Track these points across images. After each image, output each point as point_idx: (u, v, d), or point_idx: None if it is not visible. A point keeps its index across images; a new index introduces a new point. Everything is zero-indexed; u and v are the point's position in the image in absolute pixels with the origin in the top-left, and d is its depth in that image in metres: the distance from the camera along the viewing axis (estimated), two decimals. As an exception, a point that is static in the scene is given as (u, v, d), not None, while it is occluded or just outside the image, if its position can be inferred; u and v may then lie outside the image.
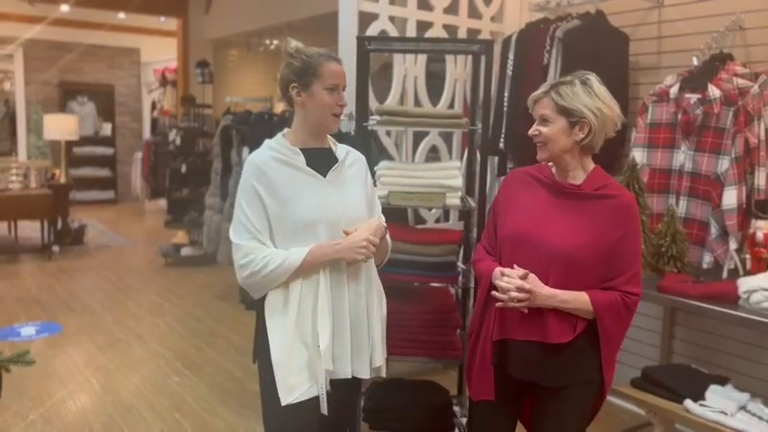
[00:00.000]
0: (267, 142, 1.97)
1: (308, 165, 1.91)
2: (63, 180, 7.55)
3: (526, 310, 1.83)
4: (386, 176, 2.78)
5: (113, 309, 5.28)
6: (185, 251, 6.90)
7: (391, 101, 3.56)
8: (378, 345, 2.00)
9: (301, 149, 1.93)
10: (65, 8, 8.70)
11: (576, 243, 1.83)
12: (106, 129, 11.34)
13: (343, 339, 1.90)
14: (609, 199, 1.89)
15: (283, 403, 1.83)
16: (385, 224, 2.04)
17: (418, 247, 2.81)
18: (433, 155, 3.85)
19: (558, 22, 3.44)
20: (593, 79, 1.89)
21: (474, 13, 3.85)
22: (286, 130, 2.00)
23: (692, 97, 2.87)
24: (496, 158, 3.74)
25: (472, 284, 2.87)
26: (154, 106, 11.50)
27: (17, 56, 10.48)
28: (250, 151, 2.04)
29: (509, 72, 3.56)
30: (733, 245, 2.81)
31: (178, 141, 7.38)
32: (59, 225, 7.42)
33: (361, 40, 2.87)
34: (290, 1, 6.88)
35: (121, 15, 9.53)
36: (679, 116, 2.96)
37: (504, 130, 3.56)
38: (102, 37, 10.69)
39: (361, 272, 1.94)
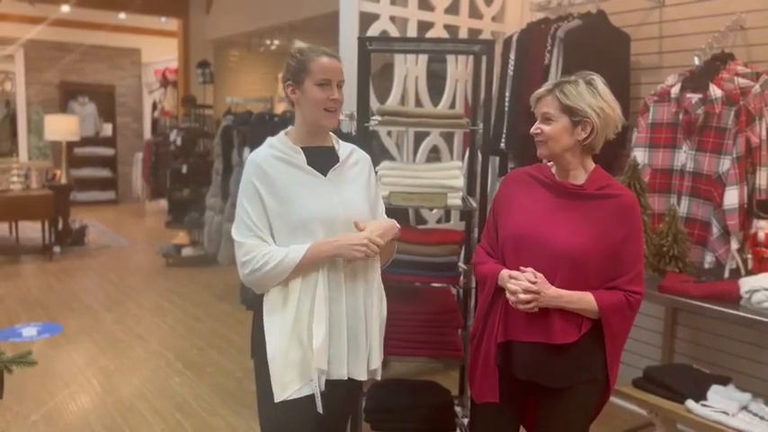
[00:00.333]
0: (269, 140, 1.96)
1: (309, 163, 1.91)
2: (64, 181, 7.56)
3: (537, 310, 1.83)
4: (387, 177, 2.78)
5: (114, 309, 5.29)
6: (186, 251, 6.91)
7: (392, 101, 3.56)
8: (375, 347, 1.99)
9: (303, 148, 1.92)
10: (65, 9, 8.70)
11: (581, 243, 1.83)
12: (107, 129, 11.34)
13: (340, 340, 1.89)
14: (611, 199, 1.89)
15: (277, 400, 1.84)
16: (398, 225, 2.03)
17: (419, 248, 2.80)
18: (435, 155, 3.85)
19: (559, 22, 3.44)
20: (598, 80, 1.89)
21: (475, 13, 3.85)
22: (289, 128, 1.99)
23: (694, 97, 2.87)
24: (498, 159, 3.74)
25: (473, 285, 2.86)
26: (155, 107, 11.50)
27: (18, 56, 10.48)
28: (251, 151, 2.03)
29: (510, 72, 3.55)
30: (734, 245, 2.80)
31: (179, 142, 7.39)
32: (60, 226, 7.42)
33: (362, 41, 2.87)
34: (290, 1, 6.88)
35: (122, 16, 9.53)
36: (680, 116, 2.96)
37: (505, 131, 3.55)
38: (103, 37, 10.70)
39: (359, 272, 1.93)
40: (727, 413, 2.44)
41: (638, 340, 3.44)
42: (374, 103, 3.28)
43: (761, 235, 2.68)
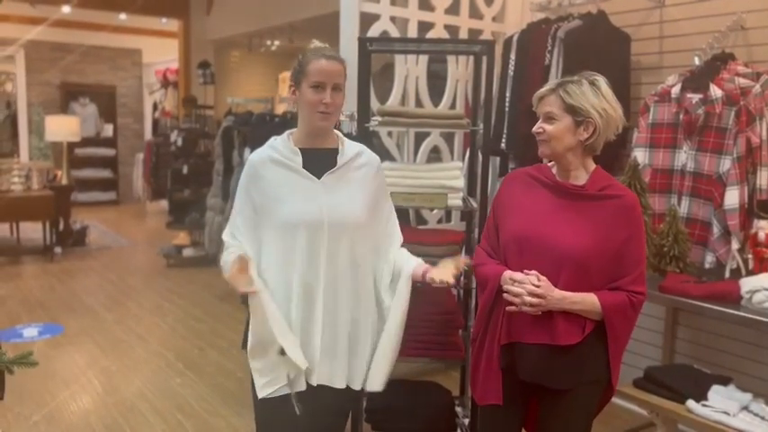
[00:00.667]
0: (271, 140, 1.97)
1: (306, 165, 1.90)
2: (65, 181, 7.57)
3: (540, 313, 1.83)
4: (387, 177, 2.76)
5: (115, 310, 5.29)
6: (187, 252, 6.91)
7: (393, 101, 3.56)
8: (379, 359, 1.97)
9: (302, 149, 1.92)
10: (66, 9, 8.71)
11: (584, 245, 1.83)
12: (108, 130, 11.36)
13: (316, 346, 1.89)
14: (613, 199, 1.88)
15: (260, 396, 1.92)
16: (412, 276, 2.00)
17: (420, 248, 2.80)
18: (435, 155, 3.85)
19: (559, 22, 3.44)
20: (601, 80, 1.89)
21: (475, 13, 3.85)
22: (295, 129, 1.99)
23: (694, 97, 2.87)
24: (498, 159, 3.74)
25: (474, 285, 2.86)
26: (155, 107, 11.49)
27: (19, 57, 10.49)
28: (251, 152, 2.04)
29: (510, 72, 3.55)
30: (735, 245, 2.80)
31: (180, 142, 7.39)
32: (61, 226, 7.43)
33: (363, 41, 2.87)
34: (291, 2, 6.88)
35: (123, 16, 9.52)
36: (681, 116, 2.96)
37: (505, 131, 3.55)
38: (104, 38, 10.70)
39: (339, 279, 1.90)
40: (727, 413, 2.44)
41: (639, 340, 3.44)
42: (374, 104, 3.28)
43: (761, 235, 2.68)
